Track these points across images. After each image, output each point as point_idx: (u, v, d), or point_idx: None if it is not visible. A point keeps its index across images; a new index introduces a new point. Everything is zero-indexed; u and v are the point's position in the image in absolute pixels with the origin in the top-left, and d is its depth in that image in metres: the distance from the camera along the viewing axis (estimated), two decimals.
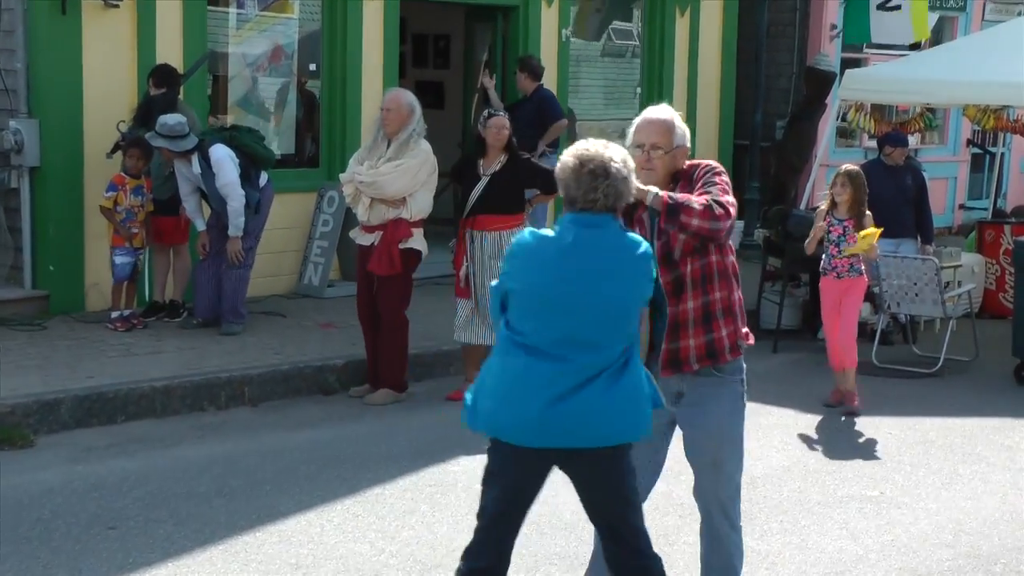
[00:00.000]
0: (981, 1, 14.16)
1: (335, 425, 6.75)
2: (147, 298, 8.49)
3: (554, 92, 10.37)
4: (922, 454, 6.65)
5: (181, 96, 8.34)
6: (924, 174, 9.86)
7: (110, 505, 5.34)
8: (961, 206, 14.50)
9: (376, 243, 7.07)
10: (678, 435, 4.10)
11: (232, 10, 9.54)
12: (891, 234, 9.13)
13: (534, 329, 3.47)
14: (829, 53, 12.51)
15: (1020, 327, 8.36)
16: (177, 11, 8.72)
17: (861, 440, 6.96)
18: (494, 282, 3.68)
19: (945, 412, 7.57)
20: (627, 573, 3.67)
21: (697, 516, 4.16)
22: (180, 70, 8.46)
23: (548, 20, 10.93)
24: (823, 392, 7.68)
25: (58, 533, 5.00)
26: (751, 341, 4.04)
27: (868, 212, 7.60)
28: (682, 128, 3.98)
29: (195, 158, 7.80)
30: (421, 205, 7.11)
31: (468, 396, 3.64)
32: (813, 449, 6.77)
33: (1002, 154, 13.58)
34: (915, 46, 12.84)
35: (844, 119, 11.08)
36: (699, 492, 4.12)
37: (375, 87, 9.50)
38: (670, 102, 4.19)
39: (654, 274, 3.58)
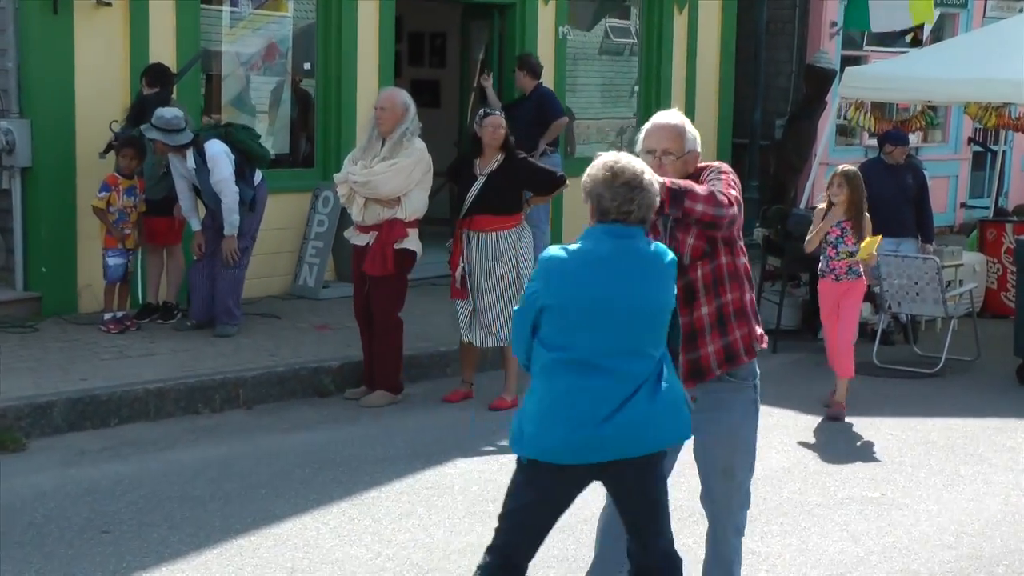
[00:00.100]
0: None
1: (330, 427, 6.73)
2: (140, 300, 8.45)
3: (551, 90, 10.32)
4: (923, 455, 6.63)
5: (174, 95, 8.28)
6: (925, 172, 9.84)
7: (103, 509, 5.32)
8: (962, 204, 14.51)
9: (371, 243, 7.03)
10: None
11: (226, 8, 9.53)
12: (892, 233, 9.14)
13: (583, 342, 3.49)
14: (829, 51, 12.51)
15: (1022, 326, 8.33)
16: (170, 9, 8.69)
17: (862, 441, 6.93)
18: (517, 307, 3.66)
19: (947, 413, 7.54)
20: (650, 571, 3.71)
21: (696, 519, 4.15)
22: (173, 69, 8.42)
23: (545, 18, 10.92)
24: (823, 393, 7.65)
25: (51, 538, 4.98)
26: (765, 343, 4.02)
27: (867, 214, 7.52)
28: (693, 133, 3.97)
29: (190, 153, 7.77)
30: (416, 205, 7.08)
31: (514, 423, 3.63)
32: (813, 450, 6.74)
33: (1003, 152, 13.53)
34: (916, 43, 12.80)
35: (845, 118, 11.03)
36: (708, 499, 4.10)
37: (370, 86, 9.48)
38: (668, 101, 4.20)
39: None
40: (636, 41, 12.04)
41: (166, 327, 8.18)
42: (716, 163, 4.02)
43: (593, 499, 4.02)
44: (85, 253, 8.32)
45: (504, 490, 5.71)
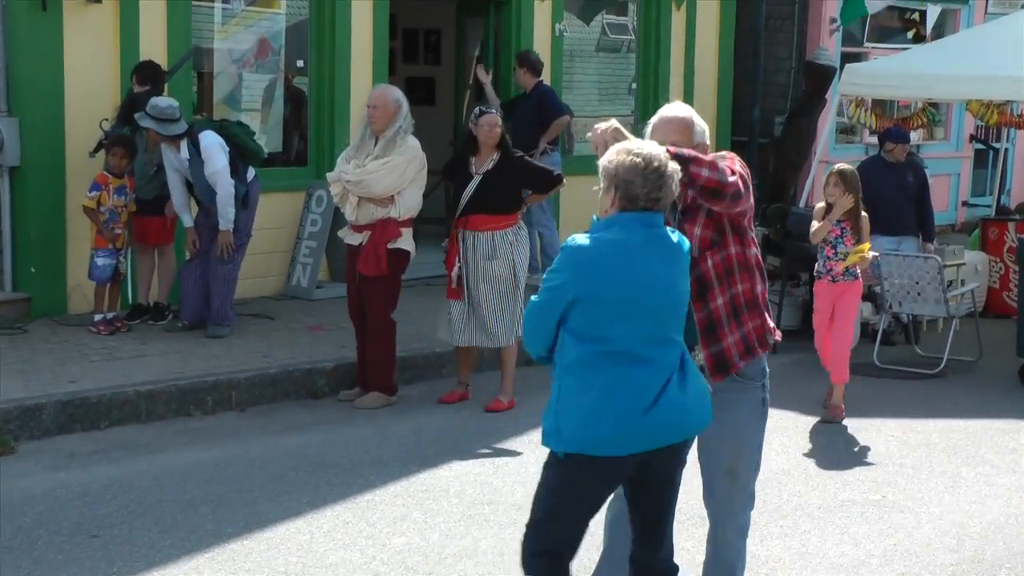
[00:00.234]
0: None
1: (324, 430, 6.69)
2: (131, 300, 8.42)
3: (552, 89, 10.30)
4: (925, 457, 6.60)
5: (166, 93, 8.20)
6: (926, 171, 9.87)
7: (93, 513, 5.29)
8: (964, 203, 14.52)
9: (364, 243, 7.01)
10: None
11: (217, 5, 9.48)
12: (892, 232, 9.14)
13: (622, 333, 3.50)
14: (829, 47, 12.50)
15: None
16: (161, 6, 8.64)
17: (862, 443, 6.91)
18: (535, 297, 3.61)
19: (948, 414, 7.53)
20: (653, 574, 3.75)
21: (696, 521, 4.16)
22: (164, 67, 8.38)
23: (541, 14, 10.89)
24: (823, 393, 7.59)
25: (40, 542, 4.95)
26: (779, 336, 4.00)
27: (864, 213, 7.45)
28: (701, 125, 3.96)
29: (184, 143, 7.73)
30: (409, 203, 7.04)
31: (546, 421, 3.61)
32: (813, 452, 6.72)
33: (1006, 150, 13.51)
34: (919, 39, 12.75)
35: (846, 116, 10.99)
36: (710, 499, 4.07)
37: (364, 83, 9.44)
38: (666, 98, 4.15)
39: None
40: (633, 38, 12.02)
41: (157, 328, 8.14)
42: (722, 152, 4.00)
43: None
44: (75, 253, 8.29)
45: (500, 493, 5.71)
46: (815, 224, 7.47)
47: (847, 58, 12.43)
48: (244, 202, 7.92)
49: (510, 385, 7.16)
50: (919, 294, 8.68)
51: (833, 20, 12.78)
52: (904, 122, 10.75)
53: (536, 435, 6.53)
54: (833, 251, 7.44)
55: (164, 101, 7.70)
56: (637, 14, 11.91)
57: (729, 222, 3.86)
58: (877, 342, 8.75)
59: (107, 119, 8.16)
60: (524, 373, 7.22)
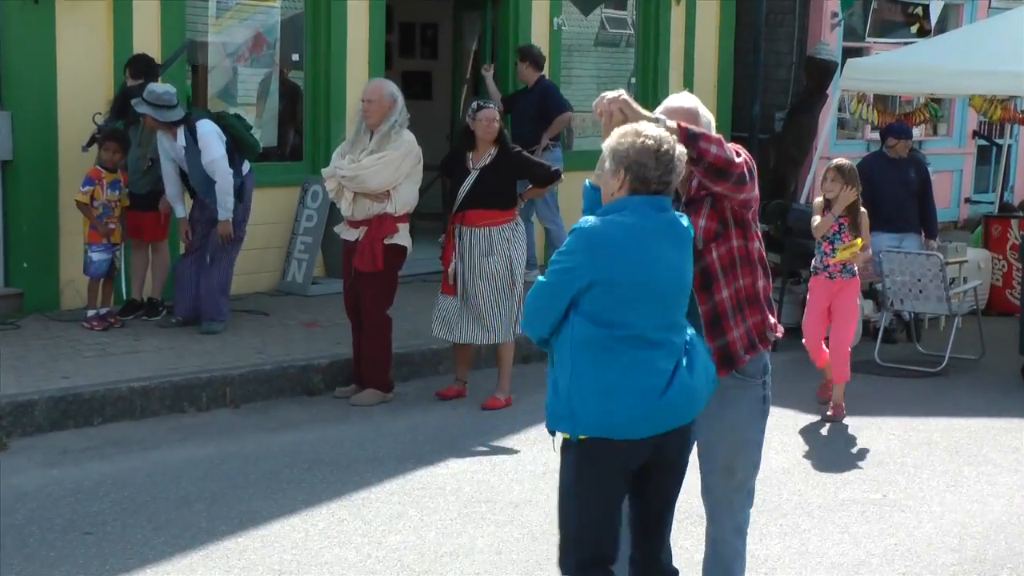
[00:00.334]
0: None
1: (320, 427, 6.67)
2: (125, 296, 8.39)
3: (554, 84, 10.26)
4: (926, 456, 6.57)
5: None
6: (928, 167, 9.86)
7: (86, 510, 5.27)
8: (967, 200, 14.53)
9: (360, 239, 6.98)
10: None
11: None
12: (894, 229, 9.12)
13: (639, 317, 3.50)
14: (830, 42, 12.46)
15: None
16: None
17: (863, 441, 6.88)
18: (541, 277, 3.56)
19: (950, 412, 7.51)
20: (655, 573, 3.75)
21: (695, 520, 4.14)
22: (158, 60, 8.33)
23: (539, 8, 10.86)
24: (816, 387, 7.63)
25: (33, 539, 4.93)
26: (780, 332, 3.97)
27: (864, 209, 7.38)
28: (707, 116, 3.93)
29: (181, 131, 7.70)
30: (405, 198, 7.01)
31: (556, 404, 3.56)
32: (813, 450, 6.70)
33: (1009, 146, 13.51)
34: (923, 34, 12.69)
35: (848, 111, 10.95)
36: (708, 496, 4.05)
37: (360, 78, 9.41)
38: (665, 93, 4.10)
39: None
40: (633, 32, 12.00)
41: (151, 324, 8.12)
42: (728, 144, 3.98)
43: None
44: (68, 248, 8.26)
45: (497, 491, 5.67)
46: (816, 219, 7.40)
47: (849, 53, 12.38)
48: (239, 195, 7.89)
49: (507, 382, 7.13)
50: (921, 291, 8.66)
51: (835, 15, 12.74)
52: (906, 118, 10.74)
53: (534, 432, 6.56)
54: (831, 247, 7.39)
55: (161, 87, 7.67)
56: (636, 8, 11.88)
57: (732, 215, 3.83)
58: (878, 340, 8.72)
59: (100, 113, 8.12)
60: (521, 370, 7.22)
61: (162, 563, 4.75)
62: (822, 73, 11.68)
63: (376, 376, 7.10)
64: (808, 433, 6.99)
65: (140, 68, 8.03)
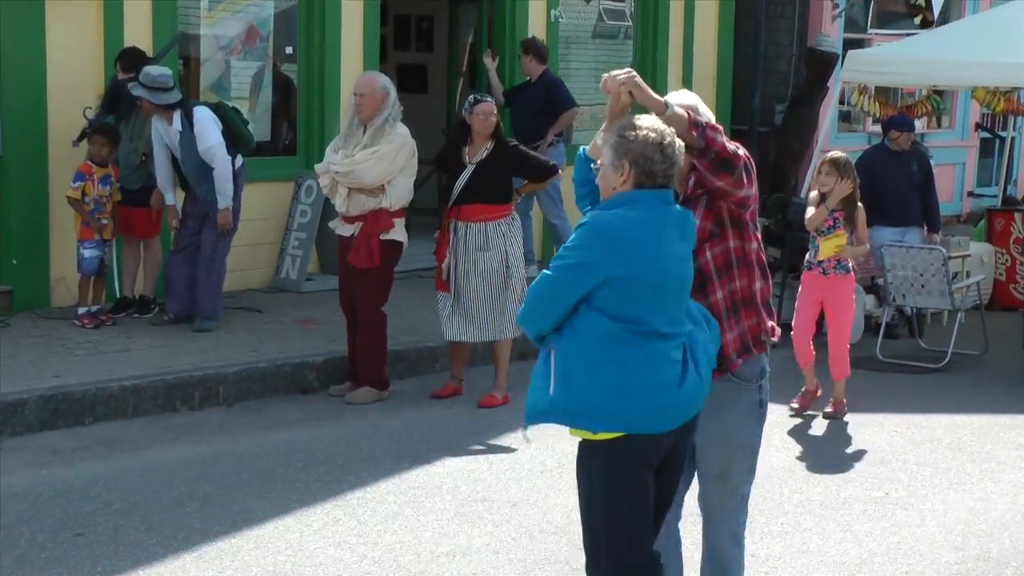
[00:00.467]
0: None
1: (314, 425, 6.65)
2: (116, 293, 8.35)
3: (559, 79, 10.20)
4: (929, 453, 6.55)
5: None
6: (931, 160, 9.83)
7: (77, 511, 5.25)
8: (970, 193, 14.57)
9: (355, 234, 6.95)
10: None
11: None
12: (896, 222, 9.13)
13: (652, 312, 3.50)
14: (831, 34, 12.46)
15: None
16: None
17: (864, 439, 6.86)
18: (547, 272, 3.52)
19: (953, 409, 7.51)
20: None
21: (695, 520, 4.10)
22: (149, 53, 8.28)
23: (536, 0, 10.78)
24: (824, 389, 7.53)
25: (23, 540, 4.91)
26: (776, 336, 3.92)
27: (861, 204, 7.31)
28: (707, 114, 3.88)
29: (177, 115, 7.65)
30: (400, 192, 6.98)
31: (574, 401, 3.52)
32: (814, 448, 6.70)
33: (1012, 138, 13.55)
34: (926, 25, 12.64)
35: (848, 103, 10.90)
36: (703, 500, 4.04)
37: (354, 71, 9.35)
38: (664, 86, 4.05)
39: None
40: (631, 24, 11.95)
41: (143, 322, 8.09)
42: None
43: None
44: (58, 245, 8.22)
45: (494, 490, 5.61)
46: (810, 210, 7.31)
47: (849, 44, 12.38)
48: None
49: (504, 380, 7.10)
50: (923, 286, 8.64)
51: (835, 6, 12.70)
52: (908, 110, 10.78)
53: (532, 431, 6.46)
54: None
55: (157, 70, 7.63)
56: (635, 0, 11.79)
57: (729, 215, 3.77)
58: (880, 335, 8.71)
59: (91, 107, 8.08)
60: (518, 368, 7.17)
61: (154, 564, 4.73)
62: (823, 65, 11.67)
63: (371, 374, 7.07)
64: (809, 430, 6.98)
65: (131, 61, 7.99)
